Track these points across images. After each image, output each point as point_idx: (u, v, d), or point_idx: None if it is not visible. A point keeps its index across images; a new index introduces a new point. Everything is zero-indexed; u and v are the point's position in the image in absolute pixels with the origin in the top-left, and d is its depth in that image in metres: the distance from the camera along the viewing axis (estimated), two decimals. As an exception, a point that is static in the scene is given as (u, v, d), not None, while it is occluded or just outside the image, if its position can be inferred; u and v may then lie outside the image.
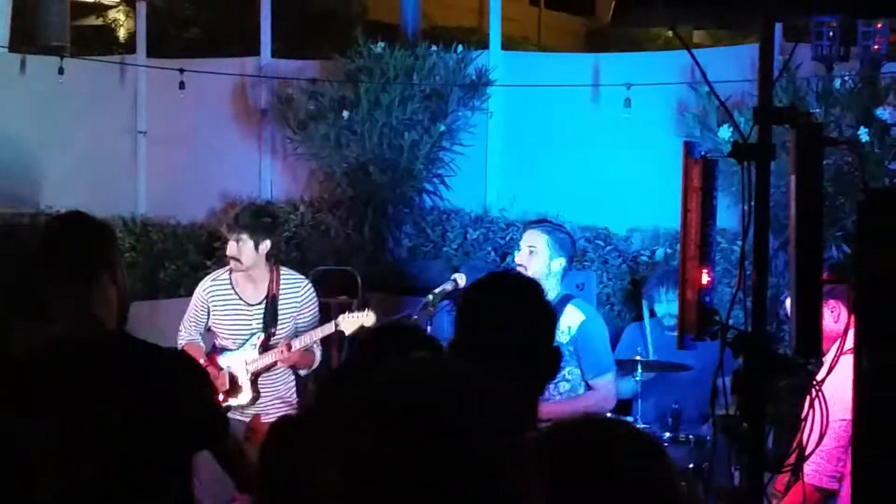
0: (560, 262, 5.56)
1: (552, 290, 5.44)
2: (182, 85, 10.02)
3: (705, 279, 3.19)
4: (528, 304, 2.89)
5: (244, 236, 5.76)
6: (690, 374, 6.21)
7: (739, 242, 3.18)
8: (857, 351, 2.70)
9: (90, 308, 3.26)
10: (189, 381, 3.31)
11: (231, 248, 5.82)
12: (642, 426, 5.97)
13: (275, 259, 6.04)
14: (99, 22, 16.84)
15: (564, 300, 5.56)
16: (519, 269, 5.51)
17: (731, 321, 3.18)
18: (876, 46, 7.38)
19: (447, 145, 9.60)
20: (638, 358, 6.17)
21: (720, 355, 3.10)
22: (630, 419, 6.02)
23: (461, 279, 5.57)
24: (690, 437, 6.07)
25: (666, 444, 5.99)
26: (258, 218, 5.86)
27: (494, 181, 9.87)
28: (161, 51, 11.49)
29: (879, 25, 7.32)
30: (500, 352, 2.77)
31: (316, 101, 9.67)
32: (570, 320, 5.53)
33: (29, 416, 3.16)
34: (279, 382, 5.93)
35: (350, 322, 5.84)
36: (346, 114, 9.39)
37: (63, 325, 3.32)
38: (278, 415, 5.72)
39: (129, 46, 12.17)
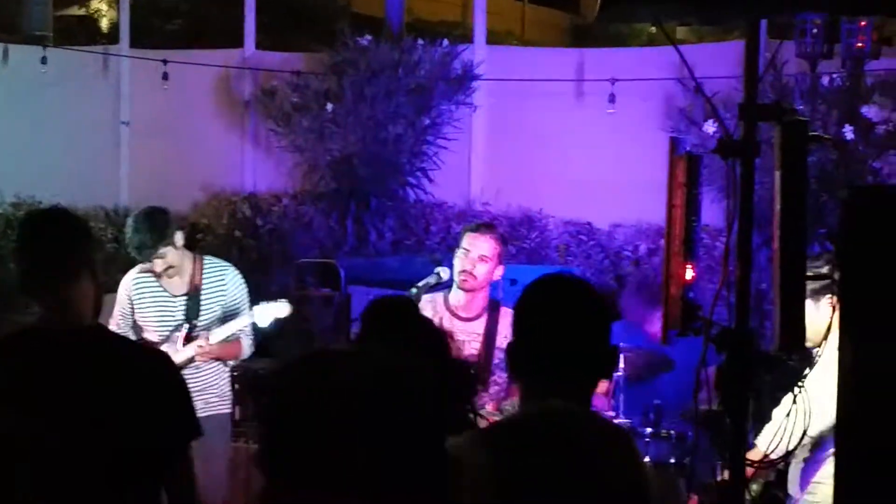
0: (501, 271, 5.41)
1: (483, 297, 5.37)
2: (165, 76, 10.00)
3: (689, 275, 3.19)
4: (585, 306, 2.90)
5: (161, 249, 5.63)
6: (671, 369, 6.22)
7: (722, 238, 3.19)
8: (842, 347, 2.71)
9: (72, 303, 3.27)
10: (164, 380, 3.31)
11: (159, 265, 5.65)
12: (624, 421, 5.98)
13: (197, 247, 5.93)
14: (82, 12, 16.79)
15: (495, 305, 5.43)
16: (465, 273, 5.29)
17: (714, 317, 3.19)
18: (860, 44, 7.40)
19: (431, 139, 9.60)
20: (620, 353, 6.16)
21: (703, 351, 3.10)
22: (612, 414, 6.02)
23: (444, 273, 5.51)
24: (672, 432, 6.08)
25: (648, 440, 6.01)
26: (157, 222, 5.63)
27: (478, 175, 9.88)
28: (144, 41, 11.45)
29: (863, 23, 7.34)
30: (559, 353, 2.80)
31: (300, 94, 9.65)
32: (509, 325, 5.37)
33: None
34: (208, 373, 5.81)
35: (264, 313, 5.76)
36: (330, 106, 9.38)
37: (43, 318, 3.32)
38: (210, 408, 5.69)
39: (112, 37, 12.14)
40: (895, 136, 7.23)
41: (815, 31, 7.38)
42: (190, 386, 5.72)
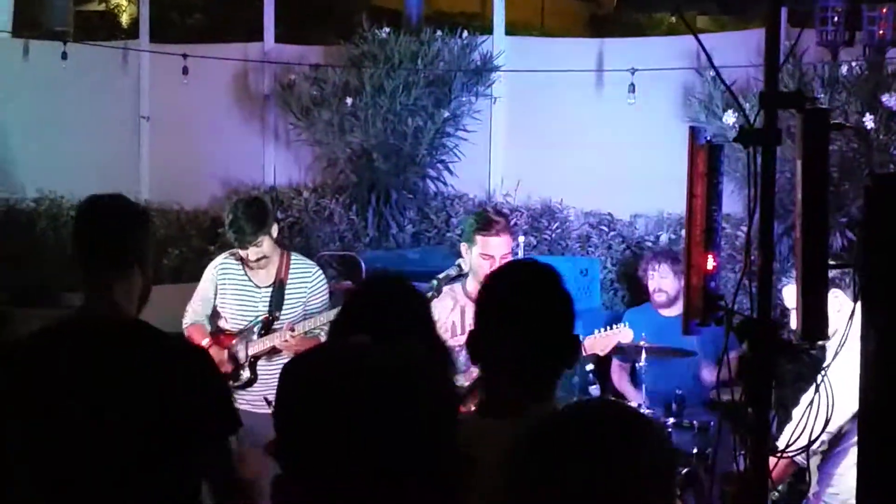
0: (518, 240, 5.43)
1: None
2: (185, 70, 10.01)
3: (711, 264, 3.18)
4: (547, 295, 2.90)
5: (258, 237, 5.71)
6: (692, 358, 6.22)
7: (743, 227, 3.18)
8: (864, 335, 2.69)
9: (116, 296, 3.24)
10: (198, 374, 3.25)
11: (253, 254, 5.74)
12: (646, 412, 5.98)
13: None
14: (102, 7, 16.86)
15: None
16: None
17: (735, 306, 3.18)
18: (881, 32, 7.35)
19: (451, 131, 9.59)
20: (642, 343, 6.16)
21: (725, 341, 3.09)
22: (634, 405, 6.02)
23: (466, 264, 5.52)
24: (694, 422, 6.08)
25: (669, 430, 6.01)
26: (259, 212, 5.77)
27: (498, 166, 9.86)
28: (164, 36, 11.48)
29: (885, 10, 7.30)
30: (521, 342, 2.81)
31: (319, 87, 9.66)
32: None
33: (18, 399, 3.15)
34: (278, 370, 5.86)
35: None
36: (349, 100, 9.38)
37: (83, 309, 3.30)
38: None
39: (132, 32, 12.18)
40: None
41: (836, 18, 7.33)
42: (262, 378, 5.83)
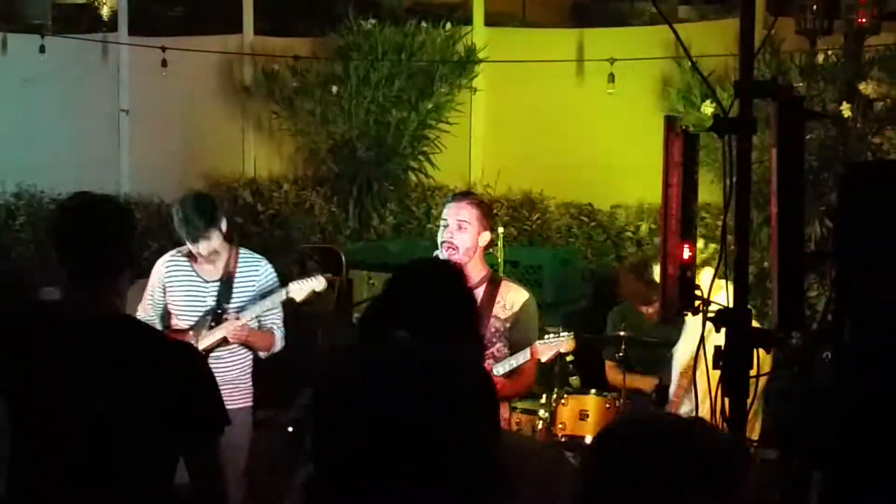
0: (487, 236, 5.18)
1: (479, 267, 5.17)
2: (164, 63, 9.96)
3: (687, 254, 3.18)
4: (451, 296, 2.86)
5: (209, 232, 5.69)
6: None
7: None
8: (838, 323, 2.69)
9: (110, 298, 3.23)
10: (188, 370, 3.25)
11: (203, 248, 5.71)
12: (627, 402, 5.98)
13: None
14: (82, 0, 16.75)
15: (496, 279, 5.24)
16: (446, 245, 5.08)
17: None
18: (860, 20, 7.35)
19: (433, 122, 9.59)
20: (622, 334, 6.17)
21: (702, 330, 3.09)
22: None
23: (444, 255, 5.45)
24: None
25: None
26: (206, 206, 5.74)
27: (479, 158, 9.85)
28: (143, 28, 11.41)
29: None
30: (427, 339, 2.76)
31: (301, 78, 9.64)
32: (512, 297, 5.19)
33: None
34: (234, 366, 5.80)
35: (300, 289, 5.78)
36: (334, 89, 9.38)
37: (69, 305, 3.27)
38: (231, 402, 5.64)
39: (112, 24, 12.10)
40: (894, 112, 7.18)
41: (814, 6, 7.33)
42: (214, 370, 5.76)
